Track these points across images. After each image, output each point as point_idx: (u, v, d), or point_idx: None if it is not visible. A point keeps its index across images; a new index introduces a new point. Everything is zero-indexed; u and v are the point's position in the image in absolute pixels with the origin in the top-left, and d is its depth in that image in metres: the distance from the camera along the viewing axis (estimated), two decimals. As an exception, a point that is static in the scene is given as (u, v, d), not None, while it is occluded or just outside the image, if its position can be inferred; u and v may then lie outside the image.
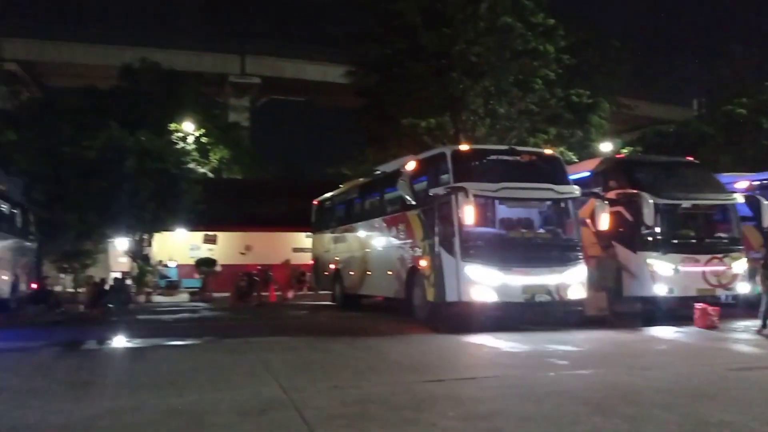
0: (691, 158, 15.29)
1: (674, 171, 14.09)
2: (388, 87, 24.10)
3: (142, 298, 20.88)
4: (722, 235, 13.43)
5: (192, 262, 25.74)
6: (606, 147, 26.78)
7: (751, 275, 13.09)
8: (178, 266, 26.51)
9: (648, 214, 12.43)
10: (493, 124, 23.54)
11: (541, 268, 11.65)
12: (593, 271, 12.83)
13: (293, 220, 24.55)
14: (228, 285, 21.76)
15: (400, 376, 7.38)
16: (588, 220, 13.21)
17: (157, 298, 22.69)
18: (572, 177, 13.06)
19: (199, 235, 26.88)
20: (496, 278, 11.34)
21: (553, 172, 12.60)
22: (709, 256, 12.86)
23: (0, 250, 16.21)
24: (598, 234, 13.05)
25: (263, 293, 21.10)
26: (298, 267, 24.80)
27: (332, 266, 18.77)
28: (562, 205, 12.56)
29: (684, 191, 13.20)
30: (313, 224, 21.14)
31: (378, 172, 16.92)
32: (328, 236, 19.51)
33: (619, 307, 12.73)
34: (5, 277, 16.60)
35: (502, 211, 12.90)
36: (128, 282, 19.92)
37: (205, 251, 26.73)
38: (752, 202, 13.85)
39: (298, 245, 26.79)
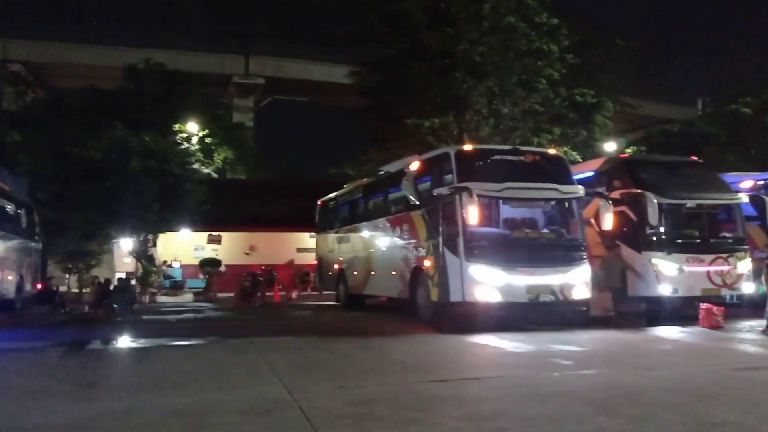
0: (695, 158, 15.25)
1: (678, 170, 14.06)
2: (392, 87, 24.09)
3: (146, 299, 20.95)
4: (727, 234, 13.40)
5: (196, 262, 25.79)
6: (610, 146, 26.74)
7: (756, 275, 13.07)
8: (183, 266, 26.61)
9: (652, 214, 12.41)
10: (497, 124, 23.50)
11: (546, 268, 11.64)
12: (599, 271, 12.83)
13: (297, 220, 24.59)
14: (232, 285, 21.80)
15: (405, 376, 7.38)
16: (592, 220, 13.19)
17: (162, 299, 22.75)
18: (576, 177, 13.05)
19: (204, 236, 26.94)
20: (500, 278, 11.33)
21: (557, 171, 12.58)
22: (713, 256, 12.83)
23: (5, 251, 16.28)
24: (603, 234, 13.03)
25: (267, 293, 21.13)
26: (302, 267, 24.83)
27: (336, 266, 18.79)
28: (566, 205, 12.54)
29: (688, 191, 13.16)
30: (317, 224, 21.17)
31: (382, 173, 16.94)
32: (332, 236, 19.53)
33: (624, 307, 12.71)
34: (10, 278, 16.68)
35: (506, 211, 12.89)
36: (133, 282, 19.97)
37: (210, 251, 26.77)
38: (757, 201, 13.82)
39: (302, 245, 26.85)
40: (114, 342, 11.22)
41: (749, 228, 13.74)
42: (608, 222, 12.44)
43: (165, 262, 26.19)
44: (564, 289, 11.63)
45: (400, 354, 9.17)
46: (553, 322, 12.16)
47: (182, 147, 25.87)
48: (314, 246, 22.20)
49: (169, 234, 24.13)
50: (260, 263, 23.67)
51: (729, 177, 14.91)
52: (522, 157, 12.73)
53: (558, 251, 12.15)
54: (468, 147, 13.22)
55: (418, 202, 13.02)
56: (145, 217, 18.93)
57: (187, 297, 23.61)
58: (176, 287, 25.51)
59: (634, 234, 12.98)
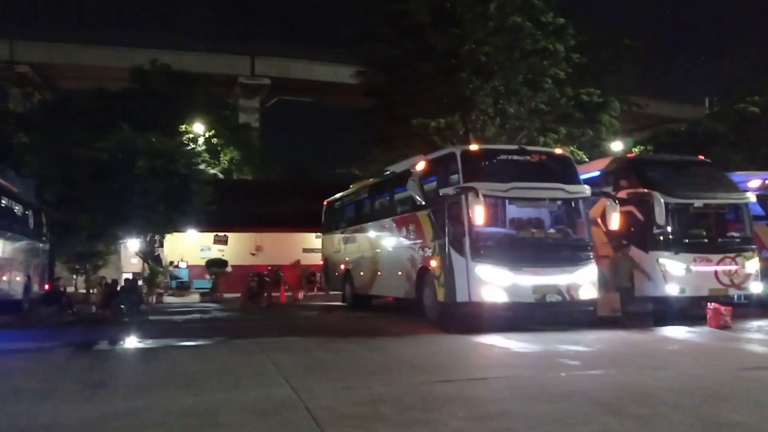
0: (702, 157, 15.19)
1: (686, 170, 14.02)
2: (397, 87, 24.09)
3: (153, 299, 20.98)
4: (734, 234, 13.35)
5: (203, 262, 25.87)
6: (617, 146, 26.64)
7: (763, 275, 13.04)
8: (189, 267, 26.68)
9: (659, 214, 12.37)
10: (503, 124, 23.47)
11: (552, 268, 11.62)
12: (607, 271, 12.81)
13: (303, 220, 24.63)
14: (239, 286, 21.83)
15: (411, 377, 7.37)
16: (599, 220, 13.16)
17: (169, 299, 22.81)
18: (583, 176, 13.02)
19: (210, 236, 27.02)
20: (506, 278, 11.32)
21: (563, 171, 12.56)
22: (721, 256, 12.79)
23: (13, 252, 16.37)
24: (609, 234, 13.00)
25: (274, 294, 21.16)
26: (308, 267, 24.86)
27: (342, 267, 18.80)
28: (573, 204, 12.52)
29: (696, 190, 13.13)
30: (323, 225, 21.18)
31: (388, 173, 16.94)
32: (338, 237, 19.55)
33: (632, 307, 12.67)
34: (18, 278, 16.77)
35: (513, 211, 12.88)
36: (139, 283, 20.02)
37: (216, 252, 26.87)
38: (765, 201, 13.78)
39: (309, 246, 26.88)
40: (121, 342, 11.25)
41: (757, 227, 13.69)
42: (615, 222, 12.40)
43: (172, 262, 26.28)
44: (571, 289, 11.61)
45: (406, 354, 9.17)
46: (560, 323, 12.13)
47: (188, 148, 25.94)
48: (320, 246, 22.21)
49: (176, 235, 24.18)
50: (266, 264, 23.74)
51: (736, 176, 14.84)
52: (528, 157, 12.71)
53: (564, 251, 12.12)
54: (474, 147, 13.21)
55: (424, 202, 13.02)
56: (151, 217, 18.96)
57: (194, 297, 23.67)
58: (183, 288, 25.59)
59: (641, 234, 12.94)
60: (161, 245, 24.88)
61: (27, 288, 17.30)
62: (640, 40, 32.71)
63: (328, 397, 6.15)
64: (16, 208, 17.01)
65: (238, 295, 21.20)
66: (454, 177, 12.22)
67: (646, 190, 12.79)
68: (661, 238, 12.77)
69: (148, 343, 11.02)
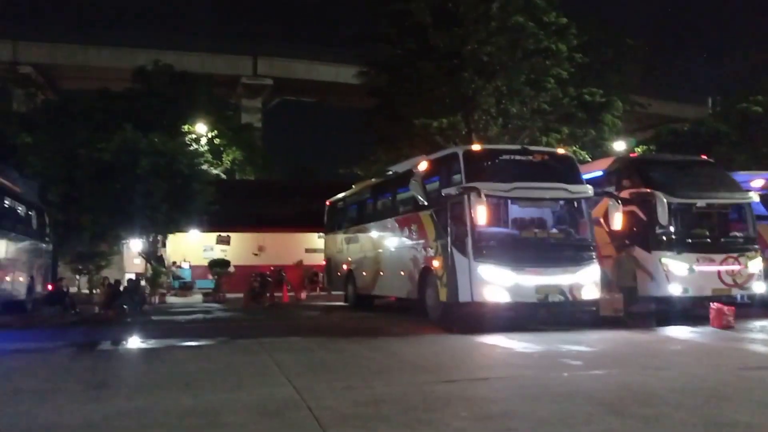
0: (705, 157, 15.17)
1: (688, 170, 14.00)
2: (400, 87, 24.09)
3: (156, 299, 21.01)
4: (737, 234, 13.33)
5: (205, 263, 25.88)
6: (619, 146, 26.62)
7: (767, 274, 12.98)
8: (192, 267, 26.70)
9: (662, 214, 12.36)
10: (506, 124, 23.47)
11: (555, 268, 11.61)
12: (610, 271, 12.80)
13: (306, 220, 24.64)
14: (241, 286, 21.85)
15: (413, 377, 7.37)
16: (601, 220, 13.15)
17: (171, 299, 22.84)
18: (585, 176, 13.02)
19: (213, 236, 27.04)
20: (509, 278, 11.32)
21: (566, 171, 12.55)
22: (724, 256, 12.77)
23: (16, 252, 16.39)
24: (612, 234, 12.99)
25: (276, 294, 21.17)
26: (310, 268, 24.87)
27: (345, 267, 18.81)
28: (575, 204, 12.51)
29: (698, 190, 13.11)
30: (326, 225, 21.20)
31: (390, 173, 16.94)
32: (340, 237, 19.55)
33: (636, 307, 12.65)
34: (22, 279, 16.79)
35: (515, 211, 12.87)
36: (142, 283, 20.04)
37: (219, 252, 26.87)
38: (768, 200, 13.73)
39: (311, 246, 26.89)
40: (124, 343, 11.27)
41: (760, 227, 13.65)
42: (618, 222, 12.40)
43: (174, 262, 26.30)
44: (573, 289, 11.60)
45: (408, 354, 9.16)
46: (563, 323, 12.12)
47: (191, 148, 25.96)
48: (323, 246, 22.23)
49: (179, 235, 24.21)
50: (269, 264, 23.73)
51: (739, 176, 14.83)
52: (530, 157, 12.70)
53: (567, 251, 12.11)
54: (476, 147, 13.21)
55: (426, 203, 13.02)
56: (154, 217, 18.98)
57: (197, 298, 23.69)
58: (185, 288, 25.61)
59: (643, 234, 12.93)
60: (164, 245, 24.92)
61: (30, 288, 17.32)
62: (643, 40, 32.71)
63: (331, 397, 6.15)
64: (20, 208, 17.04)
65: (240, 295, 21.22)
66: (457, 177, 12.21)
67: (648, 190, 12.78)
68: (664, 238, 12.75)
69: (150, 344, 11.04)
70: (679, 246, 12.68)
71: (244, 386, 6.90)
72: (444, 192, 12.37)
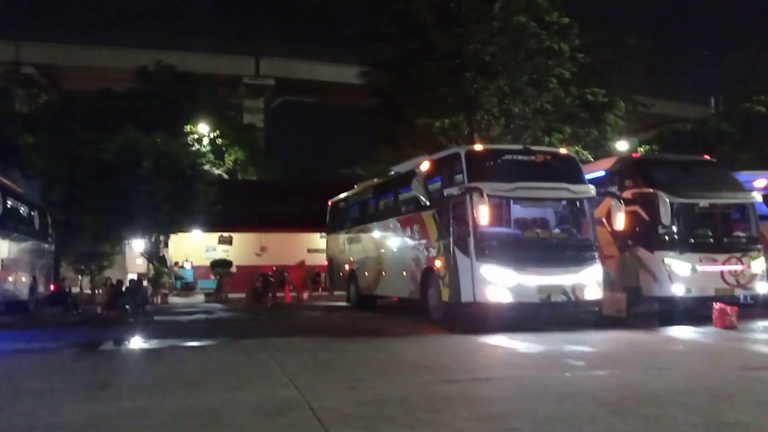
0: (708, 157, 15.14)
1: (691, 170, 13.96)
2: (402, 87, 24.10)
3: (158, 300, 21.02)
4: (740, 234, 13.30)
5: (207, 263, 25.88)
6: (622, 146, 26.59)
7: (770, 274, 12.95)
8: (194, 267, 26.72)
9: (665, 214, 12.32)
10: (508, 124, 23.46)
11: (557, 269, 11.59)
12: (615, 271, 12.77)
13: (308, 220, 24.67)
14: (243, 286, 21.86)
15: (415, 377, 7.36)
16: (604, 220, 13.13)
17: (173, 299, 22.86)
18: (588, 176, 13.00)
19: (215, 237, 27.07)
20: (511, 278, 11.30)
21: (568, 171, 12.53)
22: (727, 256, 12.74)
23: (19, 252, 16.42)
24: (615, 234, 12.97)
25: (278, 294, 21.17)
26: (313, 268, 24.87)
27: (347, 267, 18.81)
28: (578, 204, 12.49)
29: (701, 190, 13.07)
30: (328, 225, 21.20)
31: (392, 173, 16.93)
32: (342, 237, 19.55)
33: (641, 307, 12.62)
34: (24, 279, 16.82)
35: (517, 211, 12.84)
36: (144, 283, 20.05)
37: (221, 252, 26.90)
38: (771, 200, 13.69)
39: (313, 246, 26.90)
40: (126, 343, 11.27)
41: (763, 227, 13.61)
42: (620, 222, 12.37)
43: (176, 263, 26.33)
44: (576, 290, 11.59)
45: (411, 354, 9.16)
46: (565, 323, 12.10)
47: (193, 148, 25.99)
48: (325, 246, 22.23)
49: (181, 235, 24.21)
50: (271, 264, 23.75)
51: (742, 176, 14.78)
52: (533, 157, 12.68)
53: (569, 251, 12.10)
54: (478, 147, 13.20)
55: (428, 203, 13.00)
56: (156, 218, 18.98)
57: (199, 298, 23.72)
58: (188, 288, 25.65)
59: (646, 234, 12.90)
60: (166, 246, 24.95)
61: (33, 288, 17.36)
62: (645, 39, 32.65)
63: (333, 398, 6.15)
64: (22, 208, 17.08)
65: (242, 295, 21.23)
66: (459, 177, 12.20)
67: (651, 190, 12.74)
68: (667, 238, 12.72)
69: (152, 344, 11.04)
70: (681, 246, 12.66)
71: (246, 386, 6.90)
72: (446, 192, 12.35)
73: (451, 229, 12.02)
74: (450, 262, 11.98)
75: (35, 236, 18.07)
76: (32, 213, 17.90)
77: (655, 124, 40.79)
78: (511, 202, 12.38)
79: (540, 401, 5.96)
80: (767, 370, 7.83)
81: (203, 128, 30.51)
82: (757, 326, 11.97)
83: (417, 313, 14.00)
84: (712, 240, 13.02)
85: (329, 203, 21.07)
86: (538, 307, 11.87)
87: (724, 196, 13.24)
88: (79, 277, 23.90)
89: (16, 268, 16.15)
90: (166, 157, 18.93)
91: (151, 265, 22.24)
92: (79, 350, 10.34)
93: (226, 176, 32.20)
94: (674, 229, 12.70)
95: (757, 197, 13.39)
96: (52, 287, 19.19)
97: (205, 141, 30.77)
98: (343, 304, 19.16)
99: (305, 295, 23.03)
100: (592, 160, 21.22)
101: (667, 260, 12.58)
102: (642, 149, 27.53)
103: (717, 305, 11.87)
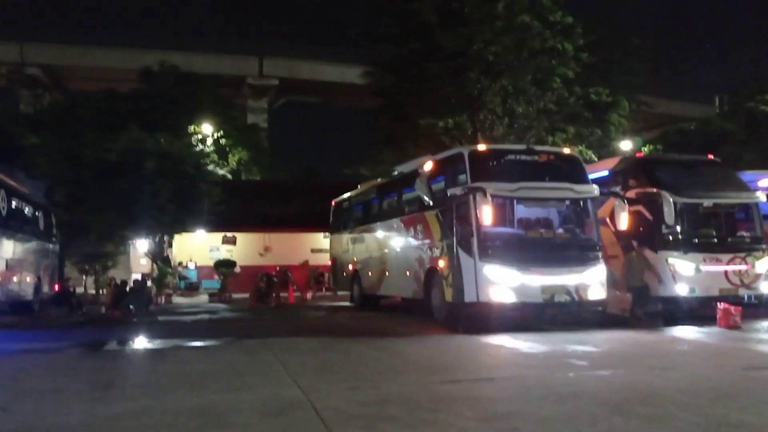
0: (712, 156, 15.11)
1: (695, 169, 13.93)
2: (405, 87, 24.09)
3: (162, 300, 21.06)
4: (745, 234, 13.26)
5: (211, 263, 25.94)
6: (626, 145, 26.55)
7: (774, 274, 12.91)
8: (198, 267, 26.77)
9: (669, 214, 12.30)
10: (511, 124, 23.44)
11: (560, 269, 11.58)
12: (621, 271, 12.76)
13: (311, 220, 24.69)
14: (247, 286, 21.90)
15: (419, 377, 7.37)
16: (608, 220, 13.11)
17: (177, 300, 22.88)
18: (591, 176, 12.97)
19: (219, 237, 27.12)
20: (514, 278, 11.30)
21: (571, 171, 12.52)
22: (731, 256, 12.72)
23: (24, 253, 16.48)
24: (618, 234, 12.95)
25: (282, 294, 21.19)
26: (316, 268, 24.90)
27: (350, 267, 18.81)
28: (581, 204, 12.48)
29: (705, 190, 13.05)
30: (331, 225, 21.21)
31: (395, 173, 16.94)
32: (346, 237, 19.56)
33: (648, 307, 12.59)
34: (29, 279, 16.88)
35: (521, 211, 12.85)
36: (149, 283, 20.10)
37: (225, 252, 26.95)
38: (775, 200, 13.65)
39: (317, 246, 26.91)
40: (130, 343, 11.29)
41: (767, 227, 13.58)
42: (624, 222, 12.35)
43: (180, 263, 26.37)
44: (579, 290, 11.57)
45: (414, 354, 9.16)
46: (569, 323, 12.09)
47: (197, 148, 26.03)
48: (328, 246, 22.24)
49: (185, 235, 24.26)
50: (275, 264, 23.78)
51: (747, 175, 14.75)
52: (536, 157, 12.68)
53: (573, 251, 12.08)
54: (482, 147, 13.20)
55: (431, 203, 13.01)
56: (160, 218, 19.02)
57: (203, 298, 23.75)
58: (191, 288, 25.70)
59: (650, 234, 12.88)
60: (170, 246, 24.98)
61: (37, 288, 17.41)
62: (649, 39, 32.58)
63: (336, 398, 6.16)
64: (27, 209, 17.13)
65: (246, 295, 21.26)
66: (462, 177, 12.20)
67: (655, 190, 12.73)
68: (671, 237, 12.70)
69: (156, 344, 11.06)
70: (685, 246, 12.64)
71: (250, 386, 6.91)
72: (449, 192, 12.36)
73: (454, 229, 12.01)
74: (453, 262, 11.98)
75: (40, 236, 18.12)
76: (37, 213, 17.96)
77: (659, 124, 40.74)
78: (515, 202, 12.38)
79: (543, 401, 5.97)
80: (771, 370, 7.81)
81: (207, 128, 30.55)
82: (761, 326, 11.95)
83: (420, 313, 14.01)
84: (716, 240, 13.00)
85: (332, 203, 21.08)
86: (542, 307, 11.87)
87: (728, 196, 13.22)
88: (84, 277, 23.93)
89: (21, 268, 16.21)
90: (169, 157, 18.97)
91: (155, 265, 22.28)
92: (83, 350, 10.36)
93: (229, 176, 32.25)
94: (678, 229, 12.67)
95: (762, 197, 13.35)
96: (56, 287, 19.24)
97: (209, 141, 30.82)
98: (347, 304, 19.17)
99: (309, 295, 23.05)
100: (595, 159, 21.19)
101: (670, 260, 12.56)
102: (646, 149, 27.51)
103: (721, 305, 11.85)
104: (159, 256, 22.36)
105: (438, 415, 5.47)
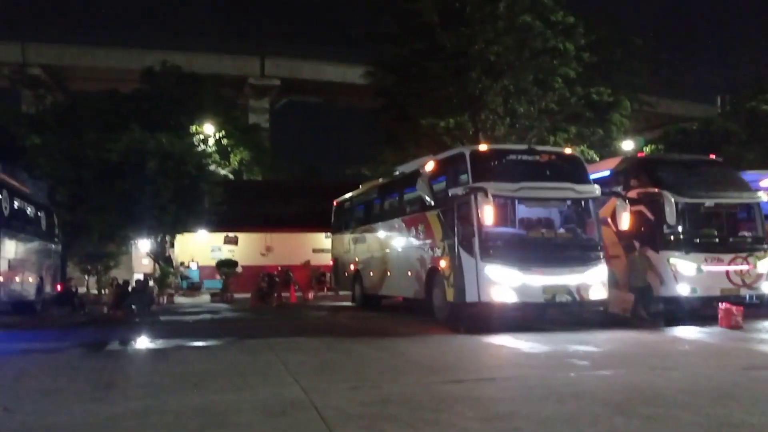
0: (714, 156, 15.10)
1: (697, 169, 13.93)
2: (407, 87, 24.09)
3: (164, 300, 21.09)
4: (746, 234, 13.26)
5: (213, 263, 25.97)
6: (627, 145, 26.52)
7: (776, 274, 12.90)
8: (200, 267, 26.81)
9: (670, 214, 12.30)
10: (513, 124, 23.42)
11: (562, 268, 11.58)
12: (624, 271, 12.76)
13: (313, 220, 24.71)
14: (249, 286, 21.91)
15: (420, 377, 7.38)
16: (609, 220, 13.11)
17: (179, 300, 22.91)
18: (593, 176, 12.97)
19: (220, 237, 27.15)
20: (516, 278, 11.30)
21: (573, 171, 12.52)
22: (732, 256, 12.71)
23: (26, 253, 16.49)
24: (620, 234, 12.95)
25: (284, 294, 21.21)
26: (318, 268, 24.92)
27: (352, 267, 18.83)
28: (583, 204, 12.48)
29: (707, 190, 13.05)
30: (333, 225, 21.23)
31: (397, 173, 16.95)
32: (347, 237, 19.57)
33: (652, 307, 12.59)
34: (31, 279, 16.89)
35: (522, 211, 12.86)
36: (150, 283, 20.13)
37: (226, 252, 26.97)
38: (777, 200, 13.64)
39: (318, 246, 26.93)
40: (132, 343, 11.31)
41: (769, 227, 13.58)
42: (625, 222, 12.35)
43: (182, 263, 26.41)
44: (581, 290, 11.57)
45: (415, 354, 9.17)
46: (570, 323, 12.09)
47: (199, 148, 26.05)
48: (330, 246, 22.26)
49: (186, 235, 24.30)
50: (276, 264, 23.81)
51: (748, 175, 14.75)
52: (537, 157, 12.68)
53: (574, 251, 12.09)
54: (483, 147, 13.20)
55: (433, 203, 13.02)
56: (162, 218, 19.07)
57: (205, 298, 23.77)
58: (193, 288, 25.73)
59: (651, 234, 12.88)
60: (172, 246, 25.04)
61: (39, 289, 17.42)
62: (651, 38, 32.56)
63: (338, 398, 6.17)
64: (29, 209, 17.15)
65: (248, 295, 21.27)
66: (464, 177, 12.20)
67: (656, 190, 12.73)
68: (672, 237, 12.70)
69: (158, 344, 11.08)
70: (687, 246, 12.63)
71: (251, 386, 6.92)
72: (451, 192, 12.37)
73: (455, 229, 12.02)
74: (455, 262, 11.99)
75: (42, 237, 18.14)
76: (39, 213, 17.98)
77: (661, 124, 40.67)
78: (516, 202, 12.39)
79: (544, 401, 5.97)
80: (773, 370, 7.81)
81: (209, 129, 30.58)
82: (763, 326, 11.94)
83: (422, 313, 14.01)
84: (717, 240, 13.00)
85: (334, 203, 21.10)
86: (543, 307, 11.88)
87: (730, 196, 13.21)
88: (86, 277, 23.98)
89: (23, 268, 16.22)
90: (171, 157, 19.00)
91: (157, 265, 22.32)
92: (85, 350, 10.37)
93: (231, 176, 32.28)
94: (680, 229, 12.66)
95: (763, 197, 13.36)
96: (58, 287, 19.27)
97: (211, 141, 30.83)
98: (348, 304, 19.18)
99: (310, 295, 23.06)
100: (597, 159, 21.18)
101: (672, 260, 12.55)
102: (647, 149, 27.46)
103: (722, 305, 11.84)
104: (161, 256, 22.40)
105: (439, 415, 5.48)
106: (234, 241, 27.52)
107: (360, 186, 19.78)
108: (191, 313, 17.67)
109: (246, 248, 27.54)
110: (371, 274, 17.30)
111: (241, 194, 25.95)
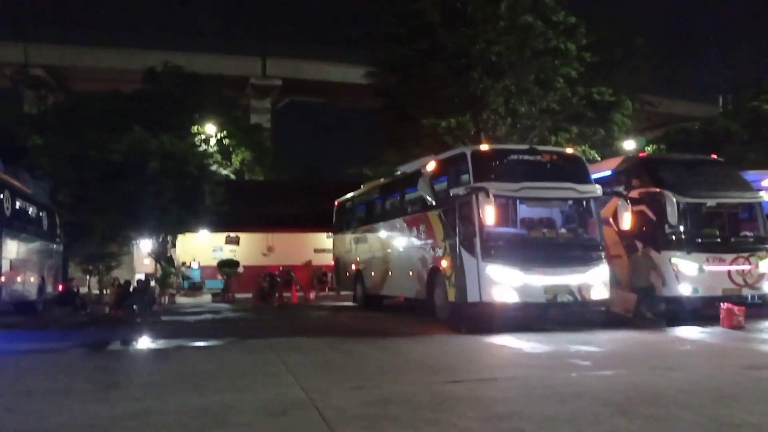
0: (715, 156, 15.08)
1: (698, 169, 13.92)
2: (408, 87, 24.12)
3: (165, 300, 21.10)
4: (748, 233, 13.25)
5: (215, 263, 25.99)
6: (629, 145, 26.50)
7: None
8: (201, 267, 26.83)
9: (672, 213, 12.29)
10: (514, 124, 23.42)
11: (563, 268, 11.57)
12: (626, 271, 12.74)
13: (314, 220, 24.72)
14: (250, 286, 21.92)
15: (421, 377, 7.38)
16: (611, 220, 13.10)
17: (181, 300, 22.93)
18: (594, 176, 12.97)
19: (222, 237, 27.17)
20: (517, 278, 11.29)
21: (574, 171, 12.51)
22: (734, 255, 12.69)
23: (28, 253, 16.51)
24: (621, 233, 12.94)
25: (285, 294, 21.22)
26: (319, 268, 24.90)
27: (353, 267, 18.83)
28: (584, 204, 12.47)
29: (708, 189, 13.03)
30: (334, 225, 21.23)
31: (398, 173, 16.95)
32: (349, 237, 19.58)
33: (654, 307, 12.57)
34: (33, 279, 16.91)
35: (523, 211, 12.85)
36: (152, 283, 20.14)
37: (228, 252, 26.99)
38: (779, 199, 13.62)
39: (320, 246, 26.95)
40: (134, 343, 11.32)
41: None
42: (627, 222, 12.34)
43: (184, 263, 26.43)
44: (582, 290, 11.56)
45: (417, 354, 9.17)
46: (572, 323, 12.08)
47: (200, 149, 26.07)
48: (331, 246, 22.27)
49: (188, 235, 24.32)
50: (278, 264, 23.81)
51: (750, 175, 14.72)
52: (539, 157, 12.67)
53: (576, 251, 12.08)
54: (484, 147, 13.20)
55: (434, 203, 13.02)
56: (163, 218, 19.09)
57: (206, 298, 23.78)
58: (195, 288, 25.74)
59: (653, 234, 12.87)
60: (173, 246, 25.05)
61: (41, 289, 17.45)
62: (652, 38, 32.49)
63: (339, 398, 6.17)
64: (31, 209, 17.17)
65: (249, 295, 21.28)
66: (465, 177, 12.20)
67: (658, 190, 12.72)
68: (674, 237, 12.69)
69: (160, 344, 11.09)
70: (689, 246, 12.61)
71: (253, 386, 6.92)
72: (452, 192, 12.37)
73: (457, 229, 12.02)
74: (456, 262, 11.98)
75: (44, 237, 18.16)
76: (41, 214, 18.00)
77: (663, 123, 40.59)
78: (517, 201, 12.39)
79: (545, 401, 5.97)
80: (774, 371, 7.80)
81: (210, 129, 30.60)
82: (765, 326, 11.93)
83: (423, 313, 14.01)
84: (719, 240, 12.98)
85: (336, 203, 21.10)
86: (545, 307, 11.87)
87: (731, 196, 13.19)
88: (87, 277, 24.01)
89: (25, 268, 16.25)
90: (173, 157, 19.03)
91: (158, 265, 22.33)
92: (86, 350, 10.38)
93: (233, 176, 32.30)
94: (681, 228, 12.65)
95: (765, 196, 13.34)
96: (60, 287, 19.30)
97: (212, 141, 30.86)
98: (350, 304, 19.18)
99: (312, 295, 23.07)
100: (598, 159, 21.16)
101: (674, 260, 12.54)
102: (649, 148, 27.42)
103: (724, 305, 11.83)
104: (162, 256, 22.42)
105: (441, 416, 5.47)
106: (235, 241, 27.54)
107: (361, 186, 19.79)
108: (192, 313, 17.67)
109: (247, 248, 27.55)
110: (373, 274, 17.30)
111: (242, 194, 25.97)
